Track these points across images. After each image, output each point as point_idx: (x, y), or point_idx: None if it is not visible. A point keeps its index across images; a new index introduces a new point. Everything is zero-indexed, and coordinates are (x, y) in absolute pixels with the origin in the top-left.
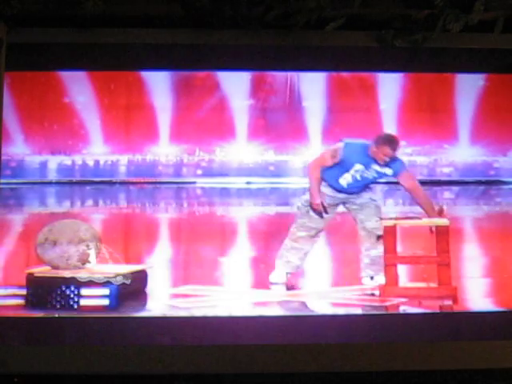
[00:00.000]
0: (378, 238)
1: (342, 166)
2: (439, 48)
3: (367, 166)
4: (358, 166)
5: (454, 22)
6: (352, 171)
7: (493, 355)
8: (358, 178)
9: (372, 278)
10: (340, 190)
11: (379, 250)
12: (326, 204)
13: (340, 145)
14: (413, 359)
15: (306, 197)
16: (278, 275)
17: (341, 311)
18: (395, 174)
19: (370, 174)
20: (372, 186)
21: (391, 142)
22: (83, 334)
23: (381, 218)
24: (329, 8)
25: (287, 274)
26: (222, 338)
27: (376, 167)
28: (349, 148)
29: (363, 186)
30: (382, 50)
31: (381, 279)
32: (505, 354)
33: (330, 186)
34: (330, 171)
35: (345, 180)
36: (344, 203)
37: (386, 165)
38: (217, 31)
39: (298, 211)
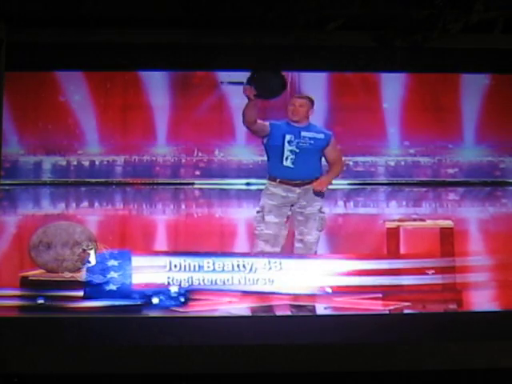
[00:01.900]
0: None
1: (275, 143)
2: (440, 48)
3: (297, 135)
4: (289, 137)
5: (454, 22)
6: (287, 145)
7: (493, 355)
8: (296, 149)
9: None
10: (290, 177)
11: None
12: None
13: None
14: (413, 359)
15: (260, 203)
16: None
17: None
18: (327, 139)
19: (304, 142)
20: (325, 194)
21: (297, 96)
22: (83, 334)
23: (322, 230)
24: (329, 8)
25: None
26: (222, 338)
27: (306, 133)
28: (273, 124)
29: (309, 164)
30: (383, 50)
31: None
32: (505, 353)
33: (278, 177)
34: (272, 158)
35: (288, 160)
36: (293, 209)
37: (317, 131)
38: (217, 31)
39: (255, 221)
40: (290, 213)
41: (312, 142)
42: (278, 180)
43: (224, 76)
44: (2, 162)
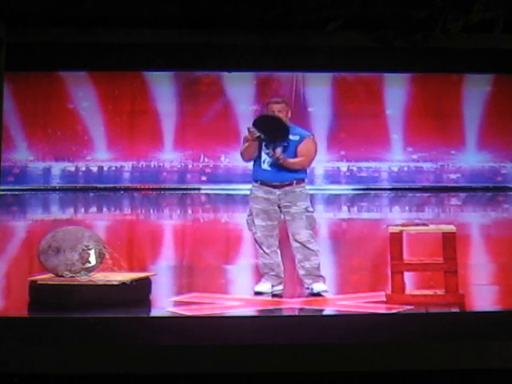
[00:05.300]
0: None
1: None
2: (440, 48)
3: None
4: (264, 141)
5: (454, 22)
6: (264, 149)
7: (493, 355)
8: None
9: (311, 288)
10: (268, 179)
11: (312, 261)
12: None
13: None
14: (413, 359)
15: (249, 206)
16: (263, 286)
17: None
18: (300, 140)
19: (279, 145)
20: (311, 194)
21: (274, 100)
22: (83, 334)
23: (313, 229)
24: (329, 8)
25: (272, 285)
26: (223, 338)
27: None
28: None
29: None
30: (382, 49)
31: (319, 287)
32: (505, 353)
33: (259, 179)
34: (254, 162)
35: (265, 163)
36: (280, 209)
37: (294, 133)
38: (217, 31)
39: (247, 225)
40: (280, 215)
41: (286, 144)
42: (259, 182)
43: None
44: (12, 168)
